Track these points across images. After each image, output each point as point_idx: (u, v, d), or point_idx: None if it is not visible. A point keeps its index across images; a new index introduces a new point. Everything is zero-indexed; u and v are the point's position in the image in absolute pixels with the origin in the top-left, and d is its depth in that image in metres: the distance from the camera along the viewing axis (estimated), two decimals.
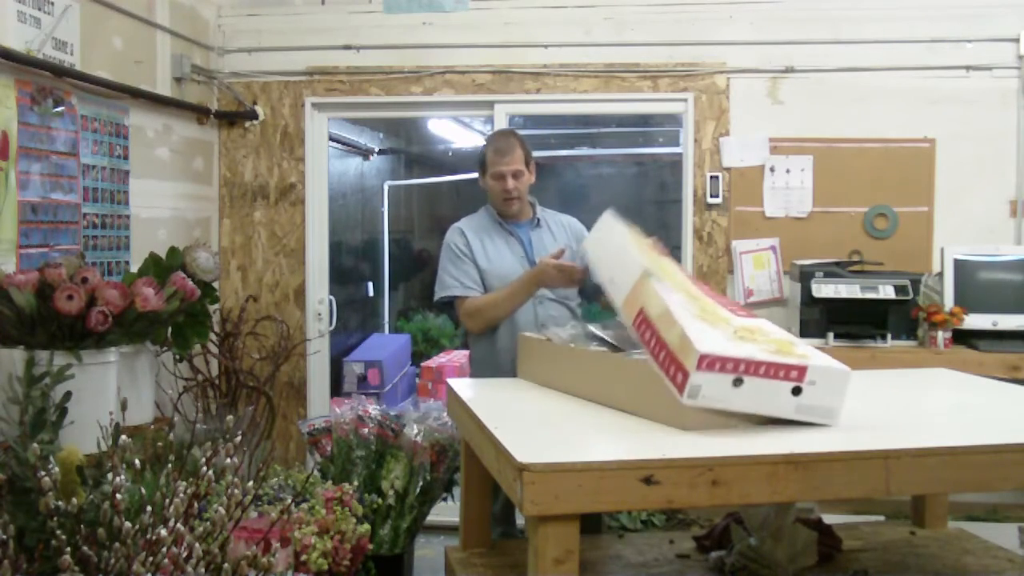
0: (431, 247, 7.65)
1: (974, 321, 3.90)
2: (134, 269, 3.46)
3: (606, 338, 2.61)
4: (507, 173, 3.28)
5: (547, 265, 3.09)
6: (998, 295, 3.97)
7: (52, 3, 3.21)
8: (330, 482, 3.23)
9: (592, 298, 3.41)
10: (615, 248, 2.52)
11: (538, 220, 3.40)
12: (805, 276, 3.97)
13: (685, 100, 4.44)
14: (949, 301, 3.93)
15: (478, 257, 3.29)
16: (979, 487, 2.03)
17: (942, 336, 3.87)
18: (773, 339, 2.10)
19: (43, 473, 1.74)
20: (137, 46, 3.86)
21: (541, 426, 2.21)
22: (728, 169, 4.42)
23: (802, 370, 2.02)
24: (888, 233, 4.36)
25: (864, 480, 1.91)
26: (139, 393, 2.91)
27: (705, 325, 2.07)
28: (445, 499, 3.66)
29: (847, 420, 2.27)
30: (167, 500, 1.74)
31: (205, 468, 1.82)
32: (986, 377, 2.91)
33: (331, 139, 4.90)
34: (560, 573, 1.79)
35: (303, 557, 2.62)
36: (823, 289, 3.91)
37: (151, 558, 1.65)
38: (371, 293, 6.82)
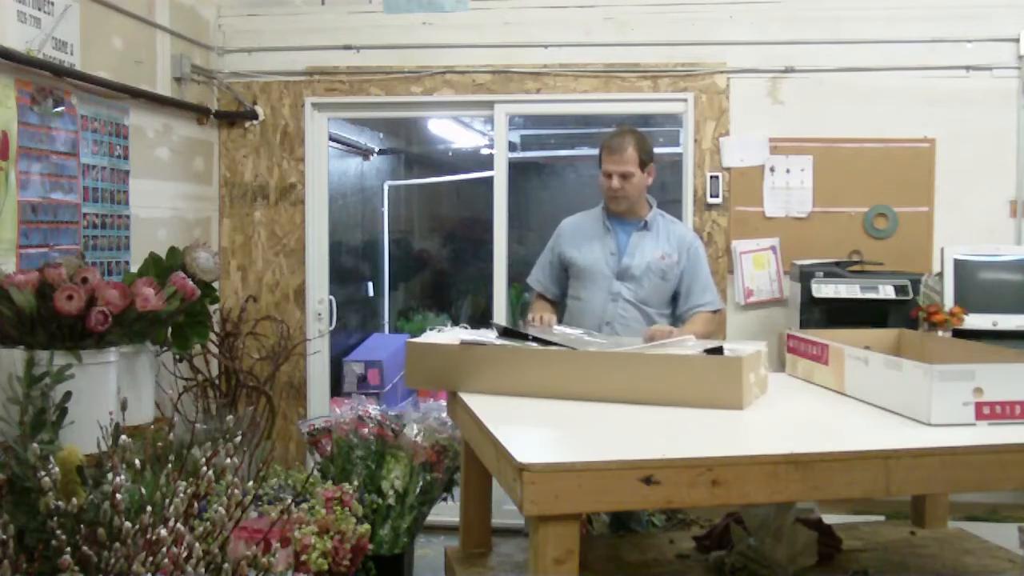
0: (431, 247, 7.65)
1: (974, 321, 3.89)
2: (134, 269, 3.46)
3: (550, 339, 2.60)
4: (614, 173, 3.32)
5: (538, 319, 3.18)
6: (998, 295, 3.97)
7: (52, 3, 3.21)
8: (330, 482, 3.23)
9: (680, 318, 3.45)
10: None
11: (646, 223, 3.41)
12: (805, 276, 3.97)
13: (685, 100, 4.44)
14: (949, 301, 3.93)
15: (568, 248, 3.46)
16: (979, 487, 2.04)
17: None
18: None
19: (43, 473, 1.74)
20: (137, 46, 3.86)
21: (541, 426, 2.21)
22: (728, 169, 4.41)
23: None
24: (888, 233, 4.36)
25: (864, 480, 1.91)
26: (139, 393, 2.91)
27: None
28: (445, 499, 3.66)
29: (846, 420, 2.28)
30: (167, 500, 1.75)
31: (205, 468, 1.82)
32: None
33: (331, 139, 4.90)
34: (560, 573, 1.79)
35: (303, 557, 2.62)
36: (823, 289, 3.90)
37: (151, 558, 1.65)
38: (371, 293, 6.82)
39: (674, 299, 3.45)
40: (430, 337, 2.74)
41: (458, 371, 2.53)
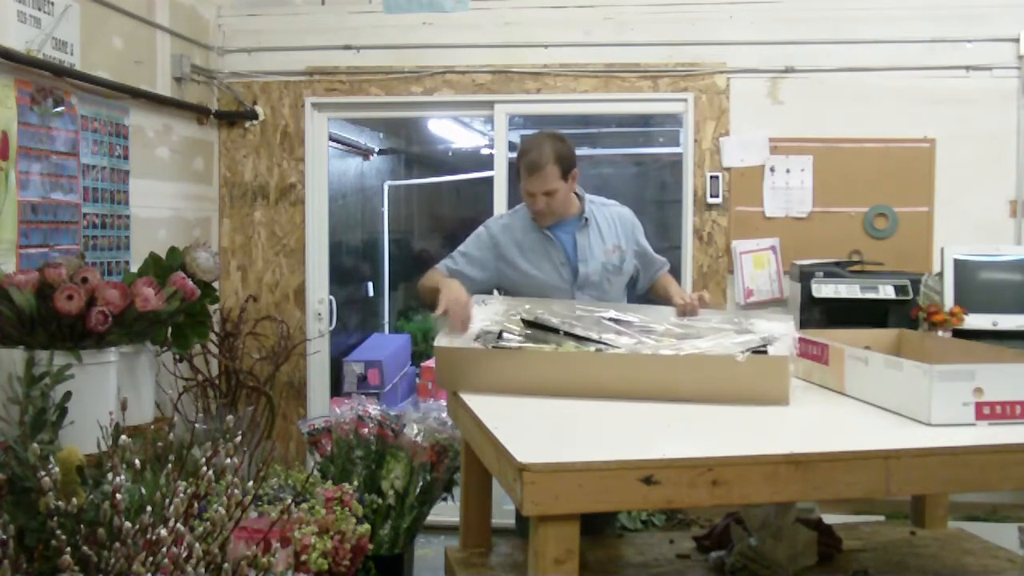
0: (431, 247, 7.65)
1: (974, 321, 3.89)
2: (134, 269, 3.45)
3: (586, 335, 2.59)
4: (536, 193, 2.99)
5: (456, 303, 2.73)
6: (998, 295, 3.97)
7: (52, 3, 3.21)
8: (330, 482, 3.22)
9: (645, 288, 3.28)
10: None
11: (585, 219, 3.12)
12: (805, 276, 3.97)
13: (685, 100, 4.45)
14: (949, 301, 3.93)
15: (513, 263, 3.08)
16: (979, 487, 2.04)
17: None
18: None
19: (43, 473, 1.74)
20: (137, 46, 3.86)
21: (541, 426, 2.21)
22: (728, 169, 4.42)
23: None
24: (888, 233, 4.36)
25: (864, 480, 1.91)
26: (139, 393, 2.90)
27: None
28: (445, 499, 3.66)
29: (846, 420, 2.28)
30: (167, 500, 1.74)
31: (205, 468, 1.82)
32: None
33: (331, 139, 4.90)
34: (560, 573, 1.79)
35: (303, 557, 2.62)
36: (823, 289, 3.90)
37: (151, 558, 1.65)
38: (371, 293, 6.82)
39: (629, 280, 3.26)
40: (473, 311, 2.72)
41: (493, 374, 2.49)
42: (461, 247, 3.17)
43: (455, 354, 2.56)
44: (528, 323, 2.68)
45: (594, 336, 2.59)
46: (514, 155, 4.85)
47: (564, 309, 2.78)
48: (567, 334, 2.59)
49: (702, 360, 2.41)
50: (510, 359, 2.50)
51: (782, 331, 2.63)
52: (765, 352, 2.46)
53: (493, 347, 2.55)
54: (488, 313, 2.78)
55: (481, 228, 3.20)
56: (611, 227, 3.18)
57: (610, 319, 2.74)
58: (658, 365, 2.41)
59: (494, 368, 2.49)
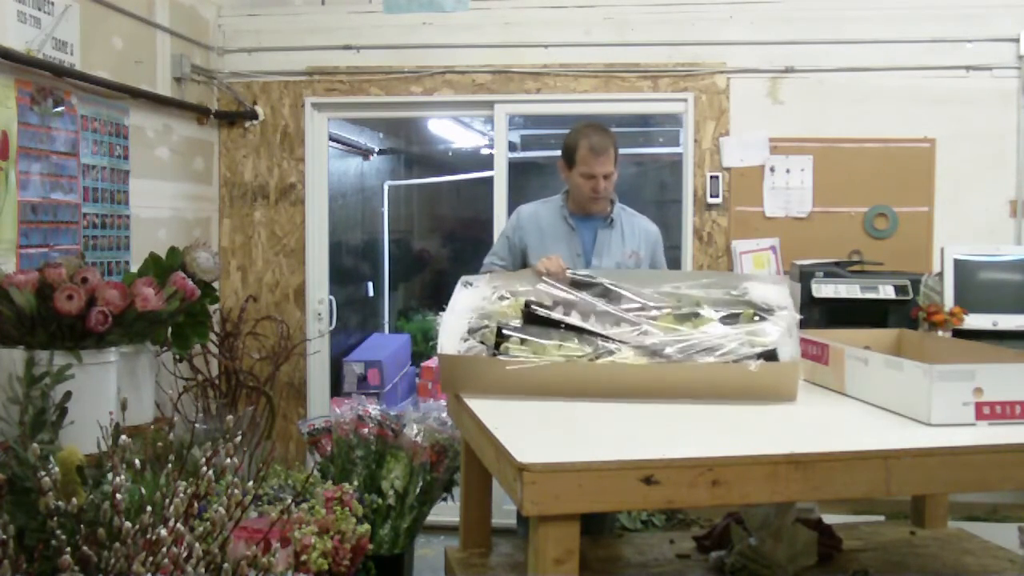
0: (431, 247, 7.65)
1: (974, 321, 3.89)
2: (134, 269, 3.45)
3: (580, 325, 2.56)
4: (599, 175, 3.17)
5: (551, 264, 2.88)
6: (998, 295, 3.97)
7: (52, 3, 3.21)
8: (330, 482, 3.23)
9: None
10: None
11: (611, 219, 3.29)
12: (805, 276, 3.97)
13: (685, 100, 4.45)
14: (949, 301, 3.93)
15: (531, 244, 3.25)
16: (979, 487, 2.04)
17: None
18: None
19: (43, 473, 1.74)
20: (137, 46, 3.86)
21: (541, 426, 2.21)
22: (728, 169, 4.41)
23: None
24: (888, 233, 4.36)
25: (864, 480, 1.91)
26: (139, 393, 2.91)
27: None
28: (445, 499, 3.66)
29: (846, 420, 2.28)
30: (167, 500, 1.74)
31: (205, 468, 1.82)
32: None
33: (331, 139, 4.90)
34: (560, 573, 1.79)
35: (303, 557, 2.62)
36: (823, 289, 3.90)
37: (151, 558, 1.65)
38: (371, 293, 6.82)
39: None
40: (461, 298, 2.68)
41: (498, 380, 2.44)
42: (496, 245, 3.43)
43: (458, 361, 2.52)
44: (528, 316, 2.65)
45: (592, 327, 2.56)
46: (514, 155, 4.87)
47: (555, 289, 2.72)
48: (568, 327, 2.57)
49: (715, 369, 2.40)
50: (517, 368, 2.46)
51: (777, 300, 2.65)
52: (775, 355, 2.43)
53: (495, 353, 2.52)
54: (476, 297, 2.72)
55: (510, 218, 3.43)
56: (634, 235, 3.31)
57: (603, 293, 2.71)
58: (670, 373, 2.40)
59: (502, 375, 2.44)
